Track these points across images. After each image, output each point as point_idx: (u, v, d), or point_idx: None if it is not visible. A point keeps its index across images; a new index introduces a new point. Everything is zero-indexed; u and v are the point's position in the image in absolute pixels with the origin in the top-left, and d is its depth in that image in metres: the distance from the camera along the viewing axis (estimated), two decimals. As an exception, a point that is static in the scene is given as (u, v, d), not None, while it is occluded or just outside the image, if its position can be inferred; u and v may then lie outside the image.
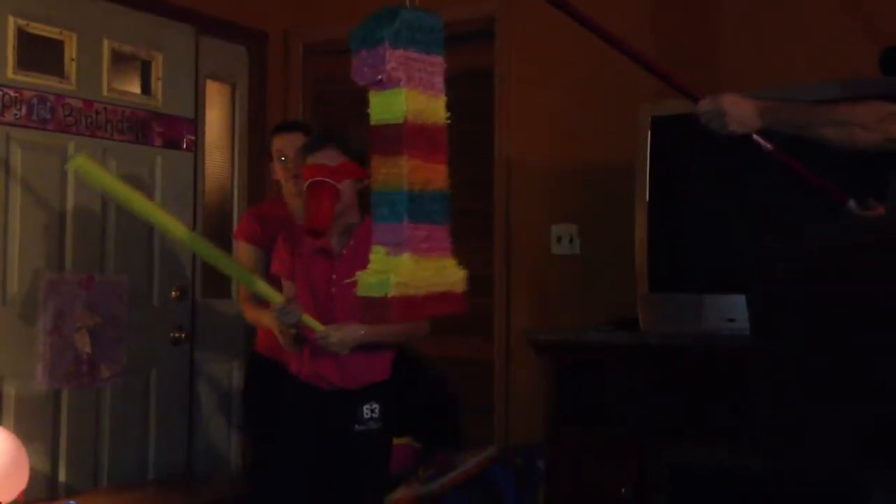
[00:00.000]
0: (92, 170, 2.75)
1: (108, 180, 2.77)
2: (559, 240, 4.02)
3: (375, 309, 1.98)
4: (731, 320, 3.21)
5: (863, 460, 2.24)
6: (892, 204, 2.44)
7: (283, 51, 4.75)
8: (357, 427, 2.93)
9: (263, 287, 2.85)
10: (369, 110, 2.10)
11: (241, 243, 3.40)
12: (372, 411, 2.94)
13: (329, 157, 2.88)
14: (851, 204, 2.47)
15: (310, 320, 2.84)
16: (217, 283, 4.34)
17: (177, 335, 4.20)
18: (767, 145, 2.41)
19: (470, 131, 4.10)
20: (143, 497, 3.77)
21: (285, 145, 3.35)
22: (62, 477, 3.78)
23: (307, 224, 2.87)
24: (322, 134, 3.09)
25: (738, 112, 2.35)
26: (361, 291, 2.00)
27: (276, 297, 2.86)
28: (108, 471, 3.93)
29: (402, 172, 2.09)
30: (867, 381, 2.15)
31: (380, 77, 2.03)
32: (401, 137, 2.11)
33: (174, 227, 2.74)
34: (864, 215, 2.46)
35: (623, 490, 3.28)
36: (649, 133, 3.42)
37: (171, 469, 4.17)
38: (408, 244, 2.03)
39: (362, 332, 2.85)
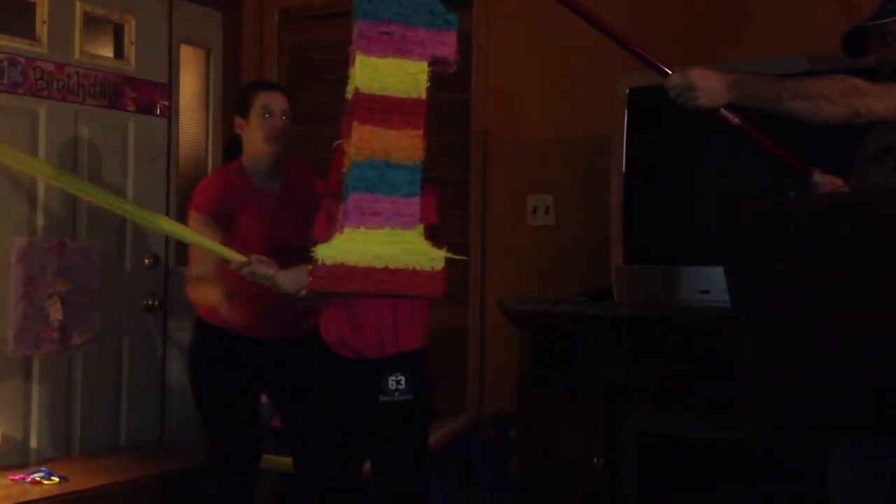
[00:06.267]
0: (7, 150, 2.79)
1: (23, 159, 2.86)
2: (535, 210, 4.01)
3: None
4: (705, 292, 3.22)
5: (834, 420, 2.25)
6: (858, 176, 2.47)
7: (259, 16, 4.70)
8: (382, 398, 2.76)
9: (219, 248, 2.73)
10: (366, 77, 2.08)
11: (197, 215, 3.04)
12: (398, 382, 2.75)
13: None
14: (815, 177, 2.51)
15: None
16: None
17: (149, 302, 4.18)
18: (734, 119, 2.42)
19: (446, 100, 4.08)
20: (116, 464, 3.76)
21: (272, 102, 3.08)
22: (34, 444, 3.76)
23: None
24: None
25: (707, 86, 2.36)
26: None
27: (236, 257, 2.69)
28: (80, 438, 3.92)
29: (419, 146, 2.10)
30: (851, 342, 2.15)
31: (445, 57, 2.11)
32: (421, 112, 2.10)
33: (107, 198, 2.67)
34: (827, 187, 2.50)
35: (595, 460, 3.30)
36: (626, 104, 3.42)
37: (144, 436, 4.16)
38: (417, 217, 2.09)
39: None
